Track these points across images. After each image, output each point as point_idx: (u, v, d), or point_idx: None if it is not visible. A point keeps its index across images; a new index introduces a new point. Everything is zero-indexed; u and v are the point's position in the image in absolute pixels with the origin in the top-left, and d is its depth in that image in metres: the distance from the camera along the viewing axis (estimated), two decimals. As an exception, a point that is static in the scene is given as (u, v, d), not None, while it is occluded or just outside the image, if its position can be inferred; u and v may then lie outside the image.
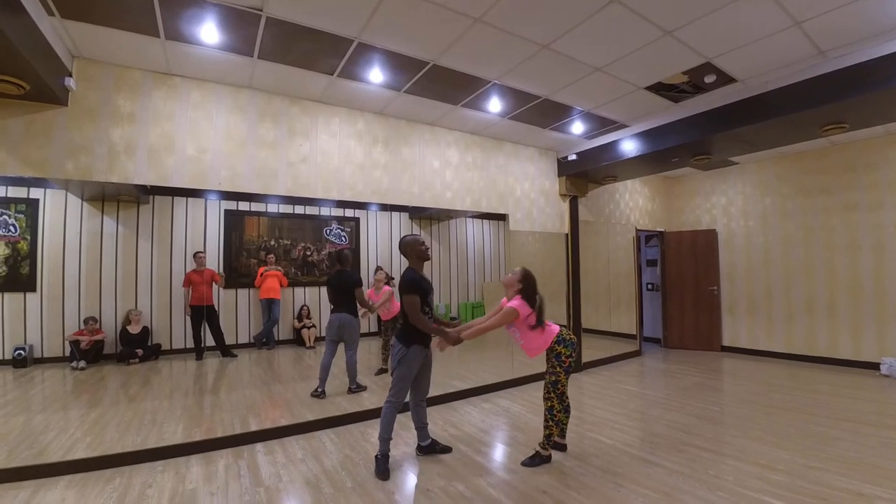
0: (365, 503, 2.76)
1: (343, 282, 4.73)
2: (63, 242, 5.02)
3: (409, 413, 3.54)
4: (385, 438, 3.18)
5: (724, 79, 4.18)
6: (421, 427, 3.49)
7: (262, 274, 6.18)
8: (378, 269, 5.71)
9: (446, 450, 3.52)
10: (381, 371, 5.46)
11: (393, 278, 5.85)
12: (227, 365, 5.60)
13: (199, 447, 3.44)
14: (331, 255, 4.86)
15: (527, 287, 3.32)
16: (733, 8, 3.07)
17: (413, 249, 3.33)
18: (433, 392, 3.86)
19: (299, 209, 6.65)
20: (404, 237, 3.42)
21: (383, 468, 3.10)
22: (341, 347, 4.75)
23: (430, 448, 3.48)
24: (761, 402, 4.67)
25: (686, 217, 8.34)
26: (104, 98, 3.62)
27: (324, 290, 5.69)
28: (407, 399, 3.39)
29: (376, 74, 4.02)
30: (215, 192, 5.23)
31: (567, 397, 3.39)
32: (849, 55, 3.67)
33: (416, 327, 3.19)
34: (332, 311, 4.76)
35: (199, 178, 3.96)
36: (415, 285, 3.16)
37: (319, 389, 4.57)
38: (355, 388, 4.75)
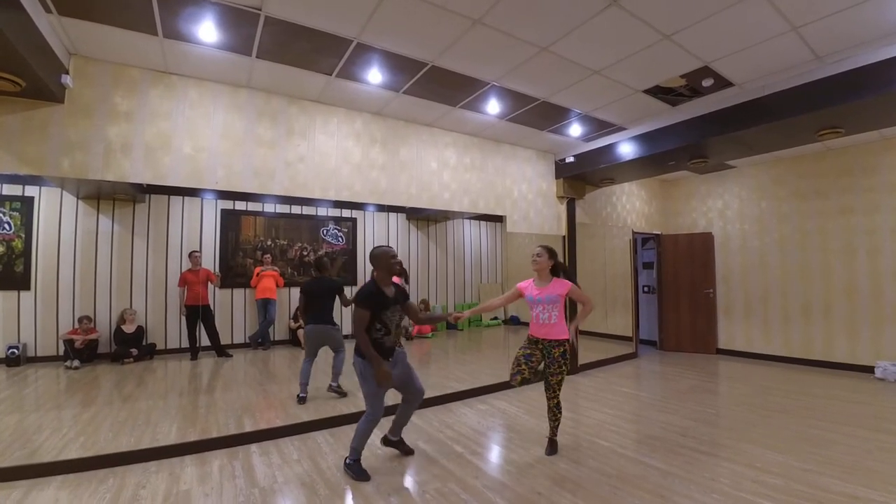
0: (360, 505, 2.75)
1: (324, 289, 4.53)
2: (58, 241, 4.98)
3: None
4: (357, 448, 3.11)
5: (722, 83, 4.20)
6: (399, 425, 3.43)
7: (258, 274, 6.15)
8: None
9: (409, 452, 3.47)
10: None
11: (407, 273, 5.75)
12: (223, 365, 5.58)
13: (193, 448, 3.42)
14: (327, 256, 4.69)
15: (557, 261, 3.51)
16: (732, 12, 3.08)
17: (383, 262, 3.17)
18: (430, 393, 3.85)
19: (296, 209, 6.62)
20: (375, 248, 3.26)
21: (360, 470, 3.06)
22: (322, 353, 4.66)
23: (395, 444, 3.47)
24: (757, 405, 4.68)
25: (682, 220, 8.37)
26: (101, 96, 3.60)
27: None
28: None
29: (375, 75, 4.02)
30: (212, 192, 5.20)
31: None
32: (845, 60, 3.70)
33: (375, 342, 3.06)
34: (308, 322, 4.52)
35: (195, 177, 3.95)
36: (370, 299, 3.03)
37: (302, 395, 4.42)
38: (336, 387, 4.61)
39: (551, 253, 3.50)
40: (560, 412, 3.53)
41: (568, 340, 3.42)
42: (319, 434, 3.86)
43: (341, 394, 4.63)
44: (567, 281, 3.47)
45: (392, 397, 3.29)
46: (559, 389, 3.47)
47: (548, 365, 3.43)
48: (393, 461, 3.36)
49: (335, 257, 6.16)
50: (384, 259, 3.18)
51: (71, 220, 5.05)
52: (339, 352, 4.66)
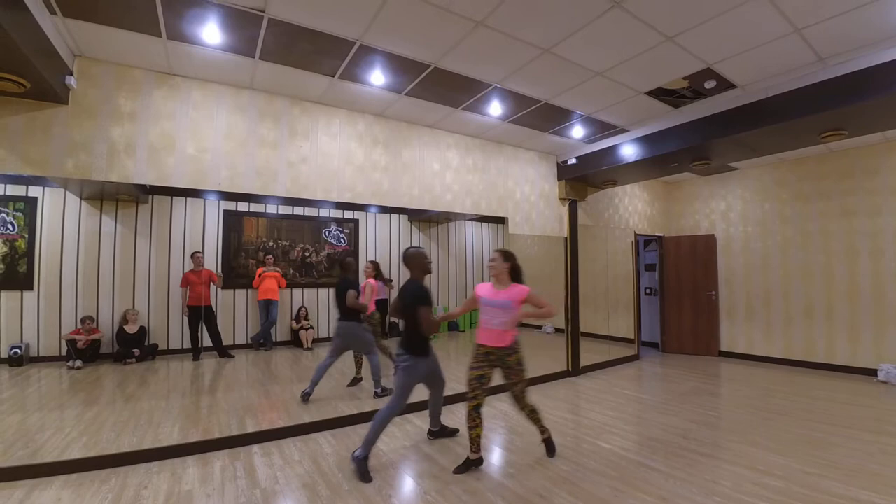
0: (362, 506, 2.75)
1: (341, 288, 4.62)
2: (61, 241, 4.99)
3: (403, 416, 3.53)
4: (371, 441, 3.14)
5: (724, 84, 4.20)
6: (435, 415, 3.72)
7: (260, 275, 6.16)
8: (369, 262, 5.44)
9: (454, 432, 3.77)
10: (356, 381, 5.08)
11: (390, 279, 5.77)
12: (225, 366, 5.58)
13: (195, 448, 3.43)
14: (329, 258, 4.80)
15: (514, 264, 3.37)
16: (734, 14, 3.08)
17: (418, 263, 3.42)
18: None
19: (298, 210, 6.63)
20: (408, 249, 3.49)
21: (365, 470, 3.07)
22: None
23: (439, 433, 3.73)
24: (759, 408, 4.67)
25: (685, 222, 8.36)
26: (105, 97, 3.61)
27: (322, 291, 5.70)
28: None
29: (377, 76, 4.03)
30: (214, 193, 5.21)
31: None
32: (848, 62, 3.69)
33: (423, 339, 3.31)
34: (339, 319, 4.69)
35: (199, 178, 3.96)
36: (429, 295, 3.31)
37: (308, 391, 4.40)
38: (381, 391, 4.60)
39: (506, 256, 3.35)
40: (537, 412, 3.40)
41: (517, 344, 3.28)
42: (321, 435, 3.86)
43: (388, 392, 4.57)
44: (524, 286, 3.32)
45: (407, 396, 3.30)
46: (524, 396, 3.32)
47: (506, 375, 3.28)
48: (394, 462, 3.36)
49: (337, 258, 6.16)
50: (419, 259, 3.43)
51: (74, 221, 5.07)
52: (371, 355, 4.62)
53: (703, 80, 4.11)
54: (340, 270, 4.83)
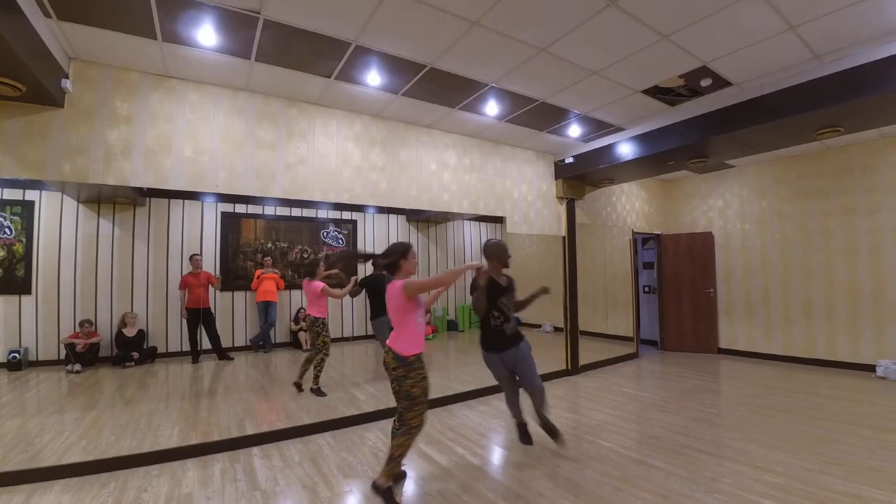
0: (362, 507, 2.75)
1: (378, 285, 4.90)
2: (59, 245, 4.98)
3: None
4: (516, 412, 3.71)
5: (720, 82, 4.20)
6: (539, 412, 3.65)
7: (258, 276, 6.15)
8: (320, 262, 5.36)
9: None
10: (298, 386, 4.83)
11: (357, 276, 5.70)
12: (224, 368, 5.58)
13: (195, 451, 3.43)
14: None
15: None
16: (730, 12, 3.09)
17: (498, 254, 3.58)
18: (431, 394, 3.85)
19: (296, 211, 6.63)
20: (490, 241, 3.64)
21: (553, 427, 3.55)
22: None
23: (545, 427, 3.60)
24: (759, 405, 4.68)
25: (683, 220, 8.37)
26: (101, 100, 3.60)
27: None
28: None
29: (374, 77, 4.02)
30: (212, 195, 5.21)
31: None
32: (844, 59, 3.70)
33: (488, 332, 3.58)
34: (376, 317, 4.99)
35: (196, 180, 3.96)
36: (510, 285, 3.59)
37: None
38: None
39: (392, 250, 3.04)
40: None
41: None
42: (321, 436, 3.86)
43: None
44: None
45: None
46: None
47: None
48: (394, 463, 3.36)
49: (337, 258, 6.16)
50: (499, 250, 3.59)
51: (71, 224, 5.06)
52: None
53: (699, 78, 4.11)
54: (374, 268, 5.01)
